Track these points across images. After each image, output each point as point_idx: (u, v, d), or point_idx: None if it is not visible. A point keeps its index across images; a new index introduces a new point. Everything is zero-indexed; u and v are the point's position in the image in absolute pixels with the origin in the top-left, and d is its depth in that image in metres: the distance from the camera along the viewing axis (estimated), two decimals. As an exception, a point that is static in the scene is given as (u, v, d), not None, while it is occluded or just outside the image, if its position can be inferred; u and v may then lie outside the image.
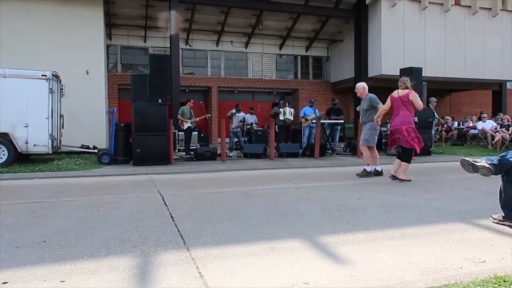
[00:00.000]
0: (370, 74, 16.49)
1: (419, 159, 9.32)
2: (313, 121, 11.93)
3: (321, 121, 11.38)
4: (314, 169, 8.28)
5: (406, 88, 6.11)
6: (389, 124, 14.87)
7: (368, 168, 6.55)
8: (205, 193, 5.30)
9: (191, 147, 11.41)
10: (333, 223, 3.65)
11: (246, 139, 12.83)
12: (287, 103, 12.19)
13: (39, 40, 12.50)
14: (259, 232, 3.34)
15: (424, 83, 10.94)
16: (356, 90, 6.83)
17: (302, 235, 3.26)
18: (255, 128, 13.18)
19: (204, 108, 12.93)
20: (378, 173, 6.55)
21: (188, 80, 18.35)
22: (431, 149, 10.99)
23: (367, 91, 6.76)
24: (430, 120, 11.07)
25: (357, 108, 6.99)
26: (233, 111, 12.16)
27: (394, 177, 6.17)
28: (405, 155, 6.12)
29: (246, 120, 12.78)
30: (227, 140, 11.85)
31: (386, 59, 15.98)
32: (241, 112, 12.24)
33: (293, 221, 3.71)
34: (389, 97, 6.28)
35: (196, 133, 13.35)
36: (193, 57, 18.72)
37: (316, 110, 12.69)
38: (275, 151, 10.60)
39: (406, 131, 5.92)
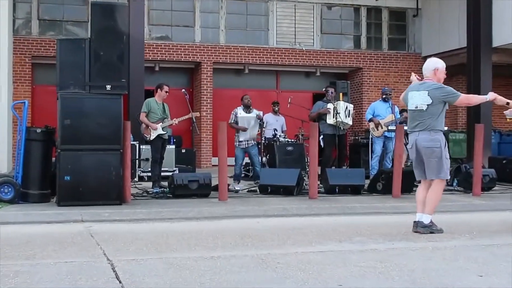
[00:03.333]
0: (495, 43, 16.45)
1: None
2: (389, 127, 11.86)
3: (405, 128, 10.78)
4: (392, 218, 8.30)
5: None
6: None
7: (425, 218, 6.99)
8: (191, 259, 5.32)
9: (163, 173, 11.35)
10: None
11: (265, 158, 12.61)
12: (341, 95, 12.20)
13: None
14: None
15: None
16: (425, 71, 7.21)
17: None
18: (281, 139, 12.98)
19: (189, 102, 12.68)
20: (424, 227, 6.94)
21: (160, 50, 18.49)
22: None
23: (439, 75, 7.14)
24: None
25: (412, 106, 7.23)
26: (237, 111, 12.04)
27: None
28: None
29: (265, 125, 12.57)
30: (230, 160, 11.13)
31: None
32: (254, 111, 12.08)
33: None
34: None
35: (174, 147, 13.38)
36: (170, 8, 18.89)
37: (395, 107, 12.62)
38: (318, 182, 10.49)
39: None
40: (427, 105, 6.85)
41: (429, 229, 6.83)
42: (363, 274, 4.80)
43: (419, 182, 11.09)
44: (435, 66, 7.07)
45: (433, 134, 6.89)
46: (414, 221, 6.99)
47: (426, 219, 6.88)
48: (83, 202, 8.57)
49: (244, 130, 11.72)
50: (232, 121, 11.86)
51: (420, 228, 6.84)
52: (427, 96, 6.87)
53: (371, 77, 20.14)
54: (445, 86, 7.04)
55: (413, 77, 7.48)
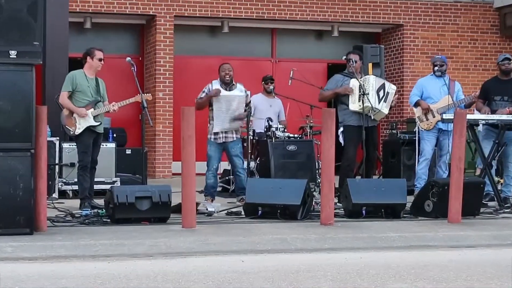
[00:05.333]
0: None
1: None
2: (445, 115, 10.56)
3: (469, 117, 9.88)
4: (447, 254, 7.62)
5: None
6: None
7: None
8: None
9: (98, 186, 10.80)
10: None
11: (254, 162, 11.90)
12: (370, 66, 10.96)
13: None
14: None
15: None
16: None
17: None
18: (279, 133, 11.96)
19: (137, 77, 11.24)
20: None
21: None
22: None
23: None
24: None
25: None
26: (210, 87, 10.81)
27: None
28: None
29: (253, 112, 11.65)
30: (200, 166, 10.28)
31: None
32: (237, 86, 10.92)
33: None
34: None
35: (113, 145, 12.58)
36: None
37: (456, 83, 11.43)
38: (336, 199, 9.59)
39: None
40: None
41: None
42: None
43: (490, 200, 10.52)
44: None
45: None
46: None
47: None
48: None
49: (216, 94, 10.55)
50: (201, 98, 10.83)
51: None
52: None
53: (416, 39, 17.91)
54: None
55: None
